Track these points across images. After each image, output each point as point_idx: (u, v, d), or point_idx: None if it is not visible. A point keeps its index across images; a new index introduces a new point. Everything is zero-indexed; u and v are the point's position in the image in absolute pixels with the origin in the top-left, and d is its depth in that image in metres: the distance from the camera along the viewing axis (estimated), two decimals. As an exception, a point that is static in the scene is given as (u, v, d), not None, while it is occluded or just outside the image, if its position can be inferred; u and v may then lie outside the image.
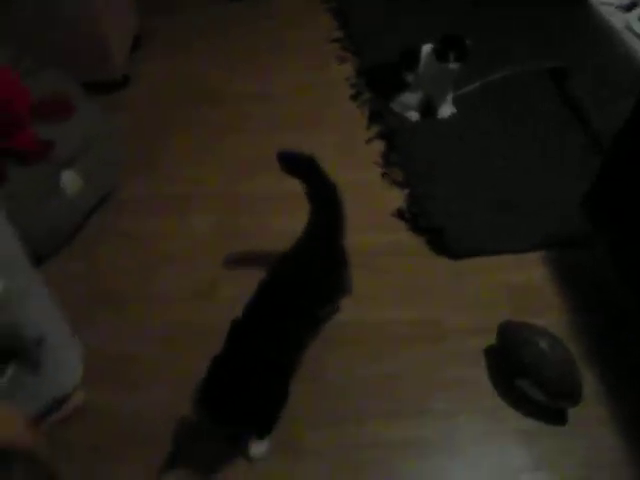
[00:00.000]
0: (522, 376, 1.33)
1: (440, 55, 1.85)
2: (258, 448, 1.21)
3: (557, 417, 1.32)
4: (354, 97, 2.11)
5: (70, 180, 1.59)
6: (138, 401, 1.33)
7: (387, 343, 1.44)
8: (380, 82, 2.08)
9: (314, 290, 1.26)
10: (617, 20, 1.79)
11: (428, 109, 2.01)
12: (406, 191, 1.80)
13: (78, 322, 1.32)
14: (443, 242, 1.64)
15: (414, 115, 2.00)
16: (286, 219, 1.55)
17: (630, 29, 1.75)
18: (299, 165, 1.30)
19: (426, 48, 1.92)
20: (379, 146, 1.94)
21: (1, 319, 0.96)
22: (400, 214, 1.74)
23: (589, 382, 1.34)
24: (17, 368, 0.95)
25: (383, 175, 1.86)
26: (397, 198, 1.78)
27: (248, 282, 1.26)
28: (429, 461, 1.26)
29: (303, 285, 1.23)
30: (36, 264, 1.28)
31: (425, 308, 1.52)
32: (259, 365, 1.10)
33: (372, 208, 1.75)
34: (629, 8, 1.81)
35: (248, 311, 1.18)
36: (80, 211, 1.67)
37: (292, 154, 1.30)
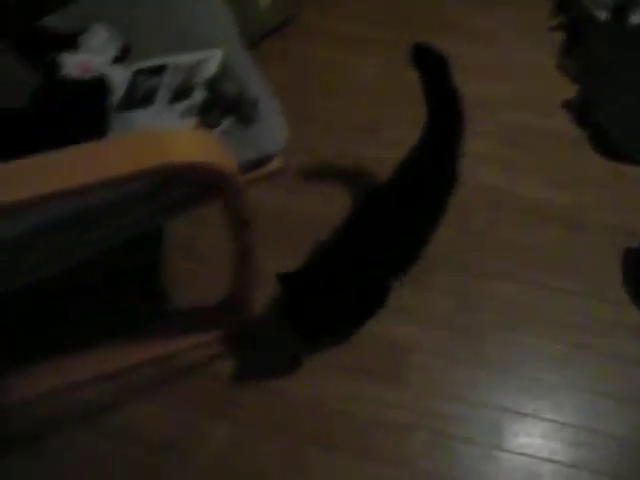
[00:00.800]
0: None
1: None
2: None
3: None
4: (544, -16, 2.01)
5: (264, -8, 1.64)
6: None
7: (528, 216, 1.50)
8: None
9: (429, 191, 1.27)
10: None
11: (620, 11, 1.89)
12: (578, 85, 1.76)
13: None
14: (607, 140, 1.62)
15: (604, 14, 1.89)
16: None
17: None
18: (429, 61, 1.25)
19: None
20: (560, 36, 1.87)
21: (225, 79, 1.06)
22: (568, 104, 1.71)
23: None
24: (233, 121, 1.05)
25: (558, 66, 1.82)
26: (568, 90, 1.75)
27: (411, 128, 1.30)
28: (537, 325, 1.33)
29: (421, 189, 1.25)
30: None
31: (572, 196, 1.54)
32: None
33: (540, 93, 1.75)
34: None
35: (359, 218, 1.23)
36: (265, 25, 1.77)
37: (427, 48, 1.25)
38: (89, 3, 1.26)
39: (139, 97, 1.11)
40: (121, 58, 1.18)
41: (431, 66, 1.24)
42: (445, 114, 1.25)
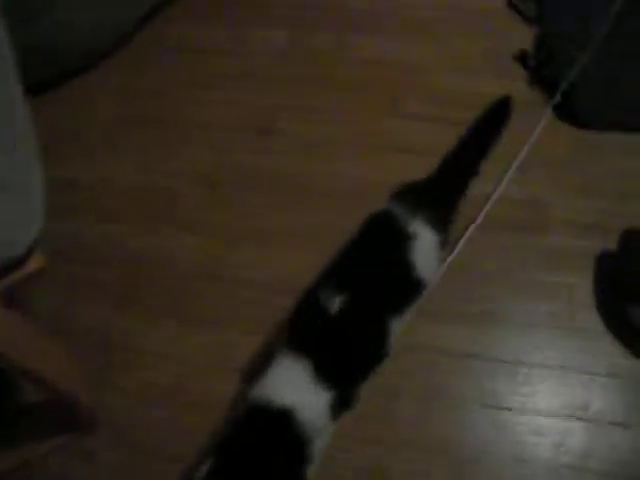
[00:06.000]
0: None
1: None
2: None
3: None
4: None
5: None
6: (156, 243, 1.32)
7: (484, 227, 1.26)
8: None
9: None
10: None
11: None
12: (536, 29, 1.46)
13: (101, 145, 1.41)
14: (570, 103, 1.33)
15: None
16: (380, 41, 1.49)
17: None
18: None
19: None
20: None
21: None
22: (522, 58, 1.43)
23: None
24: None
25: (510, 4, 1.52)
26: (522, 38, 1.47)
27: (314, 119, 1.36)
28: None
29: None
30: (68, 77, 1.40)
31: (531, 186, 1.28)
32: None
33: (488, 45, 1.46)
34: None
35: None
36: (126, 18, 1.49)
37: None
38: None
39: None
40: None
41: None
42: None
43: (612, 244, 1.18)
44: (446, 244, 1.06)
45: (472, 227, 1.28)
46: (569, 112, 1.36)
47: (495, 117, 1.23)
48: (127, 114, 1.52)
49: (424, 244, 0.97)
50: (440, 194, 1.09)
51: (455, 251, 1.25)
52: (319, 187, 1.38)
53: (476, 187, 1.18)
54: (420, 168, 1.15)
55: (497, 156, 1.25)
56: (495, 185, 1.32)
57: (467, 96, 1.39)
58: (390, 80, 1.47)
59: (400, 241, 0.96)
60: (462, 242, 1.26)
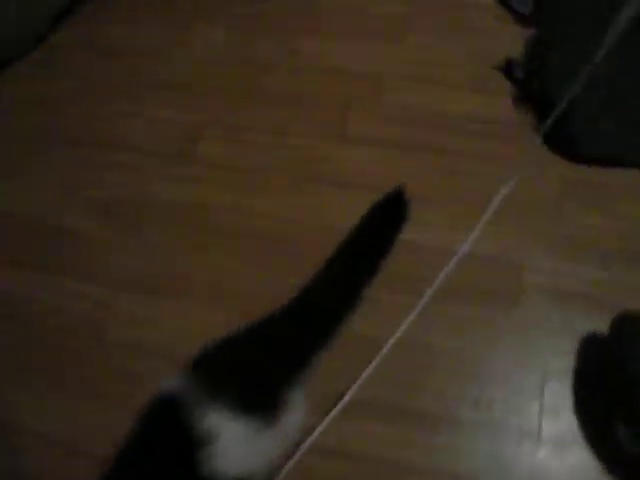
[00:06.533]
0: (628, 423, 0.83)
1: None
2: None
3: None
4: None
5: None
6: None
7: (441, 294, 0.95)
8: None
9: None
10: None
11: None
12: (529, 33, 1.21)
13: (25, 158, 1.25)
14: (565, 128, 1.06)
15: None
16: (322, 43, 1.31)
17: None
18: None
19: None
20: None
21: None
22: (508, 67, 1.18)
23: None
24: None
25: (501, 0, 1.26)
26: (511, 42, 1.21)
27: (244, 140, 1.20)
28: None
29: None
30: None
31: (504, 240, 1.03)
32: None
33: (466, 50, 1.23)
34: None
35: None
36: (41, 17, 1.36)
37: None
38: None
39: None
40: None
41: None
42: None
43: (602, 323, 0.91)
44: (282, 418, 0.70)
45: (426, 295, 0.99)
46: (562, 140, 1.09)
47: (385, 220, 0.90)
48: (30, 131, 1.31)
49: (231, 442, 0.64)
50: (279, 348, 0.74)
51: (401, 328, 0.96)
52: (238, 228, 1.15)
53: (433, 240, 1.01)
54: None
55: (462, 200, 1.04)
56: (459, 239, 1.01)
57: (434, 115, 1.20)
58: (340, 94, 1.24)
59: (190, 448, 0.62)
60: (411, 317, 0.97)
